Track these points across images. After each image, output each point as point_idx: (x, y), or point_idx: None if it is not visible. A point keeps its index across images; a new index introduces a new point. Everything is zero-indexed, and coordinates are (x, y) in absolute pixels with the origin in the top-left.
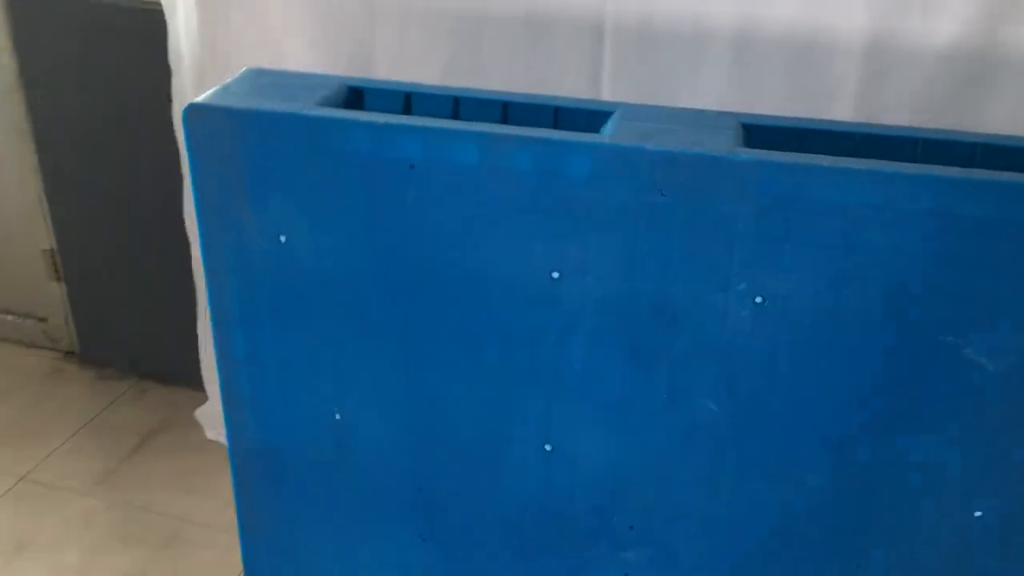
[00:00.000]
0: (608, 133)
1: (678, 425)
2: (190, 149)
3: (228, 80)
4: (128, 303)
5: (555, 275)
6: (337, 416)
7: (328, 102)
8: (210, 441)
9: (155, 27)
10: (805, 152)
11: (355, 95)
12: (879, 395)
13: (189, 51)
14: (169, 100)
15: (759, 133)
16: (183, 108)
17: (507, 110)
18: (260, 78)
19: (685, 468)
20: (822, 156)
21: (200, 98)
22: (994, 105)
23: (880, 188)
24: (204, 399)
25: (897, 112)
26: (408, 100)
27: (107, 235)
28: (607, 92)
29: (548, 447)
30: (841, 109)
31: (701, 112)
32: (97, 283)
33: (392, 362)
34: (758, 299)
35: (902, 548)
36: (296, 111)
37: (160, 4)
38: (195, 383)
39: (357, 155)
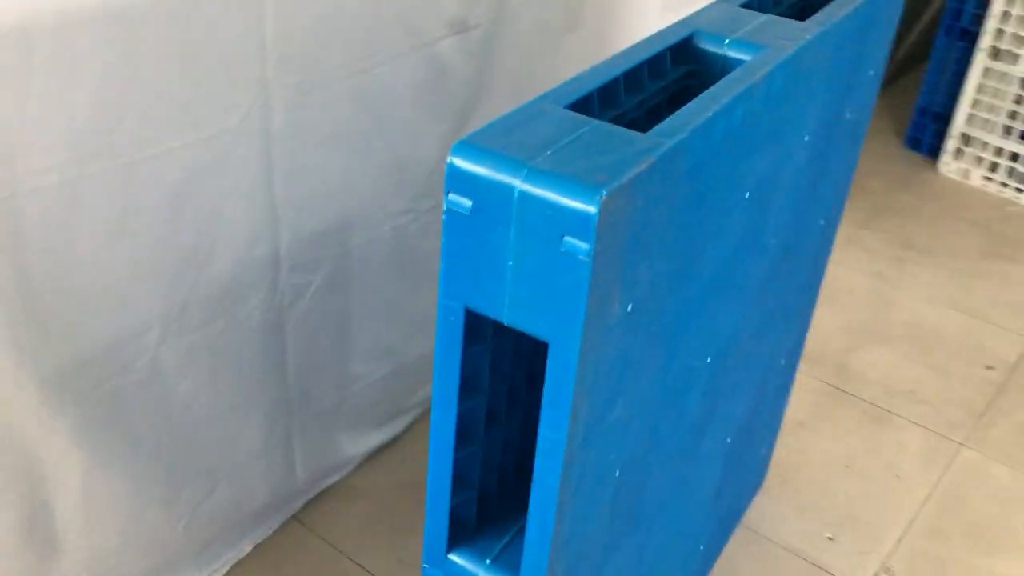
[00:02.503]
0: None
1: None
2: (594, 265)
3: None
4: None
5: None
6: (617, 473)
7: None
8: None
9: None
10: None
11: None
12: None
13: None
14: None
15: None
16: (590, 208)
17: None
18: (493, 141)
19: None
20: None
21: (600, 192)
22: None
23: None
24: None
25: None
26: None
27: None
28: None
29: None
30: None
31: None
32: None
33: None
34: None
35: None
36: (679, 140)
37: None
38: None
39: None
